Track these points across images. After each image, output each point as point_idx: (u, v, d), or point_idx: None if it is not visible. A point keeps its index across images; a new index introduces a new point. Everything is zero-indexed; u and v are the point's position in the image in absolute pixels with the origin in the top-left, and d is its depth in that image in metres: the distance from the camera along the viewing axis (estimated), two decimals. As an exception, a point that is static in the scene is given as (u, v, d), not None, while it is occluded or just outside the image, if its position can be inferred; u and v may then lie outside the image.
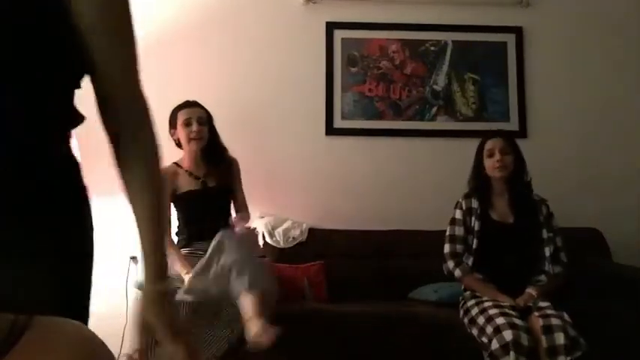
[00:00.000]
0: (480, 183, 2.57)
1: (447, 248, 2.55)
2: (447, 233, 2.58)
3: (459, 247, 2.53)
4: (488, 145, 2.55)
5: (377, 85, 3.34)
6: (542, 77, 3.39)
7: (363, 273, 2.99)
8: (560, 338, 1.99)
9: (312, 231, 3.12)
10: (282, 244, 3.04)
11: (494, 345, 2.02)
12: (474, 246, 2.47)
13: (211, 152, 2.79)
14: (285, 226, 3.11)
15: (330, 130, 3.30)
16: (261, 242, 3.03)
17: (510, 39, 3.39)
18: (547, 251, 2.43)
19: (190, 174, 2.74)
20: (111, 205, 3.14)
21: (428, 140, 3.33)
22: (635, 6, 3.44)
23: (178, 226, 2.79)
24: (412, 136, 3.32)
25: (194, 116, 2.74)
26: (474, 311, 2.26)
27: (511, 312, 2.15)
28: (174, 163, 2.80)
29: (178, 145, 2.80)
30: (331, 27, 3.34)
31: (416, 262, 3.01)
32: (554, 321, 2.04)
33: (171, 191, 2.70)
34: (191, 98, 3.27)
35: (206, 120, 2.78)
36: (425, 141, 3.33)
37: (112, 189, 3.44)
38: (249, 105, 3.29)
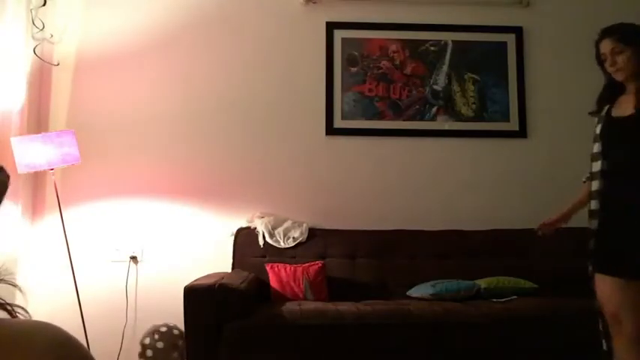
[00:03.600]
0: (607, 90, 2.31)
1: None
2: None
3: (595, 165, 2.20)
4: (600, 50, 2.25)
5: (377, 85, 3.34)
6: (542, 77, 3.39)
7: (363, 273, 2.99)
8: None
9: (312, 231, 3.12)
10: (282, 244, 3.04)
11: None
12: (594, 150, 2.21)
13: None
14: (285, 226, 3.11)
15: (330, 130, 3.30)
16: (261, 242, 3.03)
17: (510, 39, 3.39)
18: None
19: None
20: (111, 206, 3.16)
21: (428, 140, 3.33)
22: (635, 5, 3.44)
23: None
24: (412, 136, 3.32)
25: None
26: None
27: None
28: None
29: None
30: (331, 27, 3.34)
31: (416, 262, 3.02)
32: None
33: None
34: (192, 98, 3.28)
35: None
36: (425, 141, 3.33)
37: (112, 189, 3.47)
38: (250, 105, 3.29)
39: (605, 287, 1.96)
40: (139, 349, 2.83)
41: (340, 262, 3.01)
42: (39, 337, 0.50)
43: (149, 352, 2.78)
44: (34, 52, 3.00)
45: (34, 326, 0.52)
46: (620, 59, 2.09)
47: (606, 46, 2.15)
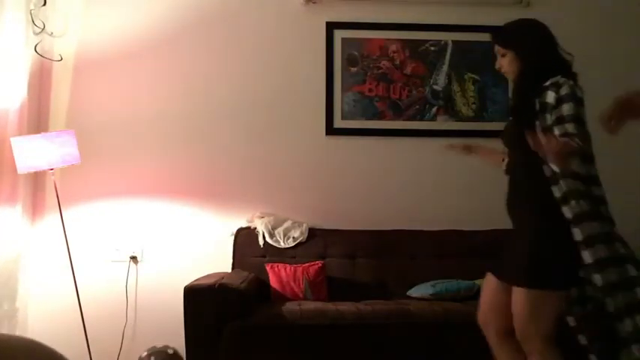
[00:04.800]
0: None
1: None
2: None
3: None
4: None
5: (377, 85, 3.34)
6: (542, 77, 3.39)
7: (363, 273, 2.99)
8: None
9: (312, 231, 3.12)
10: (282, 244, 3.04)
11: None
12: None
13: None
14: (285, 226, 3.12)
15: (330, 130, 3.30)
16: (261, 242, 3.03)
17: (510, 39, 3.38)
18: None
19: None
20: (111, 206, 3.16)
21: (428, 140, 3.32)
22: (635, 6, 3.44)
23: None
24: (412, 136, 3.32)
25: None
26: None
27: None
28: None
29: None
30: (331, 27, 3.34)
31: (416, 262, 3.02)
32: None
33: None
34: (192, 98, 3.28)
35: None
36: (425, 141, 3.33)
37: (112, 189, 3.47)
38: (250, 105, 3.29)
39: (486, 286, 2.00)
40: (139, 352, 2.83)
41: (340, 262, 3.02)
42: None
43: None
44: (35, 51, 2.99)
45: (26, 346, 0.50)
46: (505, 62, 2.01)
47: (495, 47, 2.07)
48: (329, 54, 3.33)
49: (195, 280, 2.53)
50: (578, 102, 1.81)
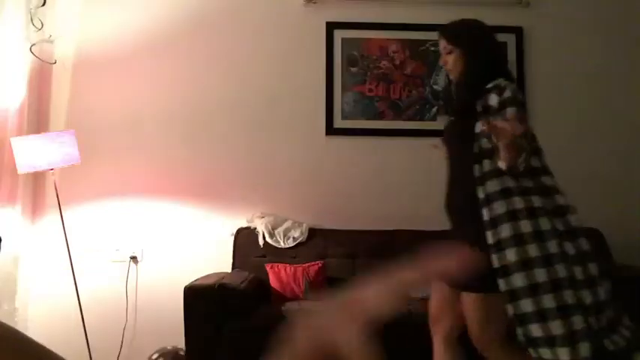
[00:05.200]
0: (447, 89, 2.27)
1: None
2: None
3: None
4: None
5: (377, 85, 3.34)
6: (542, 77, 3.39)
7: (363, 273, 2.99)
8: None
9: (312, 231, 3.12)
10: (282, 244, 3.04)
11: None
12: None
13: None
14: (285, 226, 3.12)
15: (330, 130, 3.30)
16: (261, 242, 3.03)
17: (510, 39, 3.39)
18: None
19: None
20: (111, 206, 3.16)
21: (428, 140, 3.31)
22: (635, 6, 3.44)
23: None
24: (412, 136, 3.32)
25: None
26: None
27: None
28: None
29: None
30: (331, 27, 3.34)
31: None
32: None
33: None
34: (191, 98, 3.28)
35: None
36: (425, 141, 3.32)
37: (112, 189, 3.46)
38: (250, 105, 3.29)
39: (433, 289, 2.02)
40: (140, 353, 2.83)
41: (340, 262, 3.02)
42: None
43: None
44: (31, 52, 2.99)
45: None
46: (450, 59, 1.97)
47: (440, 44, 2.03)
48: (329, 54, 3.33)
49: (195, 280, 2.53)
50: (521, 106, 1.79)
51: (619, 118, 3.37)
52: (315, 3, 3.33)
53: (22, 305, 2.91)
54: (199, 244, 3.17)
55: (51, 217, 3.04)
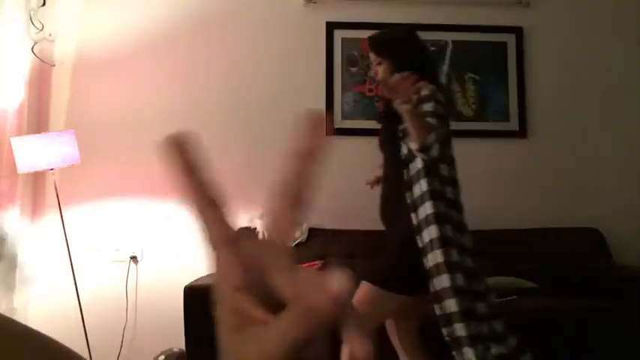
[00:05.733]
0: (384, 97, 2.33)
1: None
2: None
3: None
4: None
5: (377, 85, 3.34)
6: (542, 77, 3.39)
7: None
8: None
9: (312, 231, 3.12)
10: (282, 244, 3.03)
11: None
12: None
13: None
14: (285, 226, 3.11)
15: (330, 130, 3.30)
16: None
17: (510, 39, 3.39)
18: None
19: None
20: (111, 206, 3.16)
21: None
22: (635, 6, 3.44)
23: None
24: (412, 136, 3.32)
25: None
26: None
27: None
28: None
29: None
30: (331, 27, 3.34)
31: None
32: None
33: None
34: (191, 98, 3.28)
35: None
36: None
37: (112, 189, 3.46)
38: (250, 105, 3.29)
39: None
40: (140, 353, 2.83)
41: (340, 262, 3.01)
42: None
43: None
44: (32, 52, 2.99)
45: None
46: (380, 69, 2.05)
47: (370, 56, 2.12)
48: (329, 54, 3.33)
49: (195, 280, 2.53)
50: (439, 102, 1.84)
51: (619, 118, 3.37)
52: (315, 3, 3.33)
53: (22, 305, 2.91)
54: (199, 244, 3.16)
55: (51, 217, 3.04)
